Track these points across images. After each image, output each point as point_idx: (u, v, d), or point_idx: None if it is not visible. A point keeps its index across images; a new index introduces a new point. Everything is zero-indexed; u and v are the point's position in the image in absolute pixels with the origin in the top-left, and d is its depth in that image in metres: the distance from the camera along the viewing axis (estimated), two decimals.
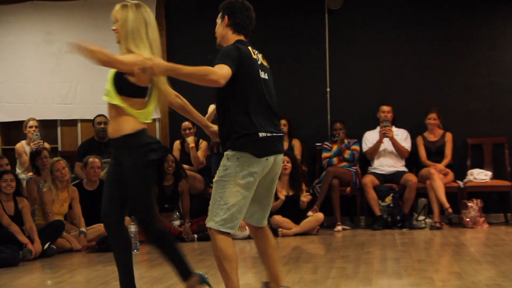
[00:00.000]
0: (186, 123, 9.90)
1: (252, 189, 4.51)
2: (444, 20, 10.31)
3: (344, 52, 10.43)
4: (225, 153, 4.55)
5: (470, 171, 9.84)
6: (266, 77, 4.78)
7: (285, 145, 10.04)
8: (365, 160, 10.07)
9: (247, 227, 8.84)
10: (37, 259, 7.46)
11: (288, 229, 8.99)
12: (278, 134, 4.67)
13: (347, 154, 9.86)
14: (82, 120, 10.65)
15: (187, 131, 9.86)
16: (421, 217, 9.50)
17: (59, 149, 10.59)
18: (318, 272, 6.22)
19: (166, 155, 9.04)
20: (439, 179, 9.46)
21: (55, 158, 8.47)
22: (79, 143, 10.44)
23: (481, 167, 9.94)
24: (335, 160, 9.87)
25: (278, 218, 9.05)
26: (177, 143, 10.09)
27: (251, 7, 4.86)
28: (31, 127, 9.62)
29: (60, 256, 7.71)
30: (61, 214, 8.28)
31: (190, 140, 9.78)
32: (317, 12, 10.46)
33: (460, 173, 9.86)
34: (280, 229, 8.98)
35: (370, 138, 9.98)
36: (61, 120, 10.68)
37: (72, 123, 10.70)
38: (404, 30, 10.41)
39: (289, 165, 9.19)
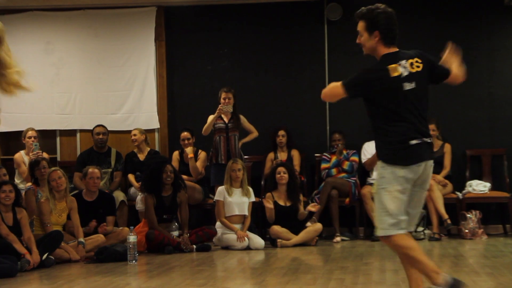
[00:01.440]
0: (185, 133, 9.91)
1: (407, 194, 4.65)
2: (443, 31, 10.32)
3: (344, 62, 10.43)
4: (379, 161, 4.68)
5: (469, 182, 9.84)
6: (414, 85, 4.82)
7: (284, 156, 10.06)
8: (364, 171, 10.06)
9: (246, 238, 8.84)
10: (35, 270, 7.44)
11: (287, 240, 8.98)
12: (428, 141, 4.76)
13: (346, 165, 9.87)
14: (81, 130, 10.65)
15: (186, 142, 9.86)
16: (420, 228, 9.49)
17: (58, 159, 10.58)
18: (317, 283, 6.20)
19: (165, 166, 9.03)
20: (438, 190, 9.46)
21: (52, 168, 8.47)
22: (78, 153, 10.44)
23: (480, 178, 9.94)
24: (334, 171, 9.87)
25: (277, 228, 9.04)
26: (176, 154, 10.08)
27: (393, 12, 4.92)
28: (30, 137, 9.62)
29: (58, 267, 7.70)
30: (59, 225, 8.27)
31: (189, 150, 9.79)
32: (317, 23, 10.49)
33: (459, 184, 9.86)
34: (278, 240, 8.97)
35: (369, 149, 9.97)
36: (60, 130, 10.68)
37: (71, 133, 10.71)
38: (403, 42, 10.29)
39: (286, 175, 9.19)
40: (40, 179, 8.73)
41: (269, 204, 9.10)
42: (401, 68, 4.77)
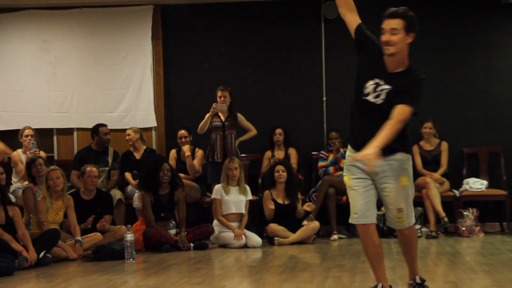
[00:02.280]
0: (182, 131, 9.92)
1: None
2: (440, 29, 10.35)
3: (341, 61, 10.44)
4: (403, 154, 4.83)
5: (466, 180, 9.86)
6: None
7: (281, 154, 10.06)
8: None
9: (243, 236, 8.84)
10: (32, 268, 7.43)
11: (284, 238, 8.99)
12: None
13: (343, 163, 9.83)
14: (78, 129, 10.65)
15: (183, 140, 9.87)
16: (417, 226, 9.50)
17: (55, 157, 10.58)
18: (314, 281, 6.21)
19: (162, 164, 9.03)
20: (435, 188, 9.48)
21: (52, 167, 8.45)
22: (75, 151, 10.44)
23: (477, 176, 9.96)
24: (331, 169, 9.88)
25: (274, 226, 9.05)
26: (173, 152, 10.09)
27: None
28: (26, 136, 9.62)
29: (55, 265, 7.69)
30: (56, 223, 8.26)
31: (186, 148, 9.79)
32: (313, 21, 10.49)
33: (456, 182, 9.87)
34: (276, 238, 8.97)
35: None
36: (57, 129, 10.68)
37: (68, 131, 10.70)
38: None
39: (284, 174, 9.20)
40: (36, 177, 8.73)
41: (271, 206, 9.10)
42: None
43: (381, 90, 4.87)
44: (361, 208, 5.02)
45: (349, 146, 5.08)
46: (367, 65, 4.96)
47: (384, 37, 4.83)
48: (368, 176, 4.92)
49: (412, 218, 5.00)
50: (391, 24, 4.82)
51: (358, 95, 4.97)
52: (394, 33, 4.79)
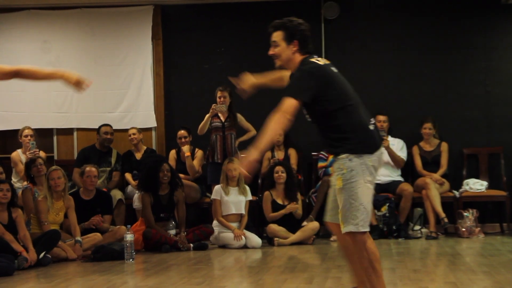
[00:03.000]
0: (182, 131, 9.92)
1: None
2: (441, 30, 10.35)
3: (340, 61, 10.33)
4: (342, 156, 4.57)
5: (466, 181, 9.85)
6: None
7: (281, 155, 10.06)
8: None
9: (243, 237, 8.84)
10: (32, 268, 7.44)
11: (284, 238, 8.99)
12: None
13: None
14: (78, 129, 10.65)
15: (183, 140, 9.87)
16: (417, 227, 9.50)
17: (55, 158, 10.58)
18: (314, 282, 6.21)
19: (162, 165, 9.04)
20: (435, 189, 9.47)
21: (53, 167, 8.45)
22: (75, 152, 10.44)
23: (477, 177, 9.95)
24: (331, 169, 9.84)
25: (274, 227, 9.05)
26: (172, 152, 10.09)
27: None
28: (26, 136, 9.61)
29: (55, 265, 7.69)
30: (57, 223, 8.26)
31: (186, 149, 9.79)
32: (313, 21, 10.46)
33: (456, 183, 9.87)
34: (276, 238, 8.97)
35: None
36: (57, 129, 10.67)
37: (68, 131, 10.69)
38: (401, 40, 10.44)
39: (284, 174, 9.20)
40: (36, 177, 8.73)
41: (278, 215, 9.13)
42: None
43: None
44: (329, 206, 4.91)
45: None
46: None
47: (270, 51, 4.85)
48: None
49: (353, 226, 4.51)
50: (272, 37, 4.81)
51: None
52: (275, 45, 4.79)
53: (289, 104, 4.66)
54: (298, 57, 4.80)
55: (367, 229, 4.56)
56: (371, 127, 4.70)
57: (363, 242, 4.56)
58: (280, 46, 4.76)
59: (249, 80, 5.21)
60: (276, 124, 4.67)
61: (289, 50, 4.77)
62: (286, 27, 4.77)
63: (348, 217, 4.52)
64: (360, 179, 4.52)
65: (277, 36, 4.78)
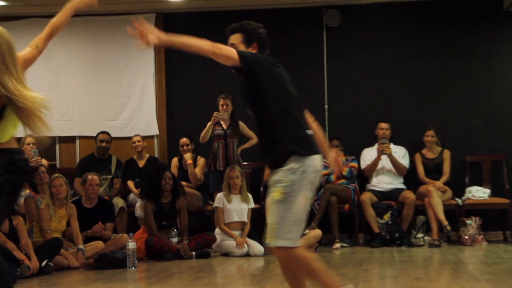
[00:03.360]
0: (184, 139, 9.92)
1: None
2: (443, 37, 10.34)
3: (342, 69, 10.45)
4: (286, 167, 4.36)
5: (468, 189, 9.84)
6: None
7: None
8: (363, 177, 10.06)
9: (245, 245, 8.83)
10: (35, 277, 7.43)
11: None
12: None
13: (345, 171, 9.86)
14: (81, 137, 10.65)
15: (185, 148, 9.87)
16: (420, 235, 9.49)
17: (58, 166, 10.58)
18: None
19: (164, 172, 9.04)
20: (437, 196, 9.46)
21: (55, 175, 8.46)
22: (78, 160, 10.44)
23: (480, 185, 9.93)
24: (333, 177, 9.86)
25: None
26: (175, 160, 10.08)
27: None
28: (28, 144, 9.61)
29: (57, 274, 7.69)
30: (59, 231, 8.26)
31: (188, 156, 9.79)
32: (315, 29, 10.49)
33: (459, 191, 9.85)
34: None
35: (368, 155, 9.98)
36: (60, 137, 10.68)
37: (70, 139, 10.70)
38: (403, 47, 10.44)
39: None
40: (39, 185, 8.73)
41: None
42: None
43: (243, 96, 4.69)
44: None
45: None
46: None
47: None
48: None
49: (285, 241, 4.29)
50: (230, 40, 4.71)
51: None
52: (233, 48, 4.59)
53: (229, 49, 4.48)
54: None
55: (298, 245, 4.36)
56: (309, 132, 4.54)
57: (293, 256, 4.34)
58: (239, 48, 4.63)
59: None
60: (204, 42, 4.35)
61: None
62: (245, 30, 4.74)
63: (282, 232, 4.30)
64: (301, 193, 4.35)
65: (236, 38, 4.70)
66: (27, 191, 8.97)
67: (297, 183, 4.33)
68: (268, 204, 4.43)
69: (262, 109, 4.52)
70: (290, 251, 4.32)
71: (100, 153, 10.00)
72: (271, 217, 4.37)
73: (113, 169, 9.99)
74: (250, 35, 4.73)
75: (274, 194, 4.36)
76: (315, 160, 4.44)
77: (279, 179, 4.36)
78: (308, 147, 4.45)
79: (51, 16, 10.96)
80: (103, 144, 9.97)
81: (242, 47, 4.63)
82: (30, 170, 4.47)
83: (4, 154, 4.29)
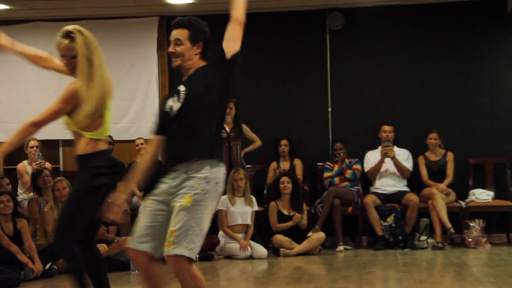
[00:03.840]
0: None
1: None
2: (446, 39, 10.34)
3: (346, 72, 10.45)
4: (203, 175, 4.23)
5: (472, 191, 9.82)
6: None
7: (287, 165, 10.05)
8: (366, 180, 10.06)
9: (249, 247, 8.83)
10: (38, 280, 7.44)
11: (289, 249, 8.97)
12: None
13: (348, 173, 9.86)
14: None
15: None
16: (423, 237, 9.47)
17: (61, 169, 10.59)
18: None
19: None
20: (441, 199, 9.45)
21: (58, 178, 8.47)
22: None
23: (483, 187, 9.92)
24: (336, 180, 9.86)
25: (279, 237, 9.03)
26: None
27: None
28: (32, 147, 9.62)
29: (61, 277, 7.69)
30: None
31: None
32: (319, 32, 10.50)
33: (462, 193, 9.84)
34: (281, 249, 8.96)
35: (372, 158, 9.97)
36: (63, 140, 10.69)
37: (74, 143, 10.69)
38: (406, 50, 10.44)
39: (289, 185, 9.19)
40: (43, 188, 8.74)
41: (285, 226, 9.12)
42: None
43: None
44: (138, 231, 4.35)
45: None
46: None
47: (170, 48, 4.45)
48: (165, 199, 4.34)
49: (183, 250, 4.08)
50: (175, 34, 4.45)
51: None
52: (178, 43, 4.40)
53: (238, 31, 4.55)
54: (198, 62, 4.46)
55: (196, 258, 4.26)
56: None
57: (188, 269, 4.14)
58: (184, 45, 4.41)
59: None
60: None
61: (193, 51, 4.40)
62: (193, 27, 4.46)
63: (183, 240, 4.08)
64: (210, 205, 4.25)
65: (182, 34, 4.44)
66: (31, 194, 9.00)
67: (209, 193, 4.21)
68: (175, 210, 4.18)
69: (212, 105, 4.43)
70: (186, 264, 4.12)
71: None
72: (176, 224, 4.12)
73: None
74: (197, 32, 4.49)
75: (184, 201, 4.16)
76: (223, 173, 4.30)
77: (192, 186, 4.19)
78: (221, 158, 4.33)
79: (54, 20, 11.02)
80: (108, 146, 9.98)
81: (187, 44, 4.39)
82: (122, 170, 4.72)
83: (100, 156, 4.50)
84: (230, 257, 8.96)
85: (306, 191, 9.90)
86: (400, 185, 9.86)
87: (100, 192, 4.78)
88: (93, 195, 4.79)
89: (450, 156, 9.90)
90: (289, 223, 9.11)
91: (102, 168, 4.78)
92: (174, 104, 4.33)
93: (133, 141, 10.25)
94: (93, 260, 5.02)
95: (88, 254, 4.98)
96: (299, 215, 9.14)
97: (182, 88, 4.34)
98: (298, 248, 9.00)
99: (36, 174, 8.83)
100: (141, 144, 10.06)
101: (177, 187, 4.27)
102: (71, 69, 5.05)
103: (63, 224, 4.84)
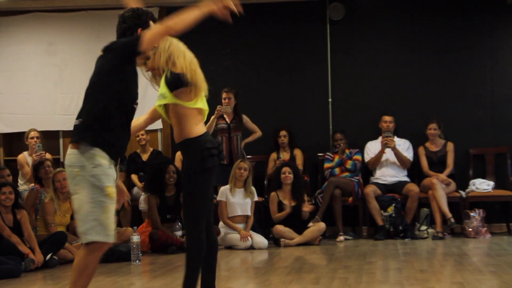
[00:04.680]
0: None
1: None
2: (446, 30, 10.34)
3: (346, 62, 10.45)
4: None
5: (472, 181, 9.83)
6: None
7: (287, 156, 10.06)
8: (367, 170, 10.07)
9: (249, 238, 8.84)
10: (39, 270, 7.45)
11: (290, 239, 8.99)
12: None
13: (349, 164, 9.86)
14: None
15: None
16: (423, 227, 9.49)
17: (61, 160, 10.59)
18: (321, 282, 6.20)
19: (168, 166, 9.05)
20: (441, 189, 9.46)
21: (58, 169, 8.48)
22: None
23: (483, 177, 9.93)
24: (337, 170, 9.87)
25: (280, 228, 9.05)
26: (178, 154, 10.08)
27: None
28: (32, 138, 9.63)
29: (62, 267, 7.70)
30: (63, 225, 8.28)
31: None
32: (319, 22, 10.48)
33: (462, 183, 9.85)
34: (282, 239, 8.97)
35: (372, 148, 9.98)
36: (63, 131, 10.69)
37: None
38: (406, 41, 10.43)
39: (291, 175, 9.19)
40: (44, 179, 8.75)
41: (287, 208, 9.13)
42: None
43: None
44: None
45: (103, 153, 4.38)
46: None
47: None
48: None
49: (87, 236, 4.27)
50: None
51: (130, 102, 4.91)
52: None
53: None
54: None
55: None
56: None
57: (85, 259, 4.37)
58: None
59: None
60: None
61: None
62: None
63: (84, 228, 4.34)
64: None
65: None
66: (32, 184, 9.01)
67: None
68: None
69: None
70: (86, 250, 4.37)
71: None
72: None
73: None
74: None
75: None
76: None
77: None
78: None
79: (54, 10, 11.01)
80: None
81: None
82: (218, 153, 4.77)
83: (201, 141, 4.76)
84: (230, 247, 8.97)
85: (306, 182, 9.91)
86: (400, 175, 9.87)
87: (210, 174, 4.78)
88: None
89: (450, 146, 9.90)
90: (287, 211, 9.11)
91: (212, 150, 4.78)
92: None
93: None
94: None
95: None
96: (309, 205, 9.17)
97: None
98: (298, 238, 9.01)
99: (38, 165, 8.84)
100: (141, 135, 10.06)
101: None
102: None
103: (189, 216, 4.83)
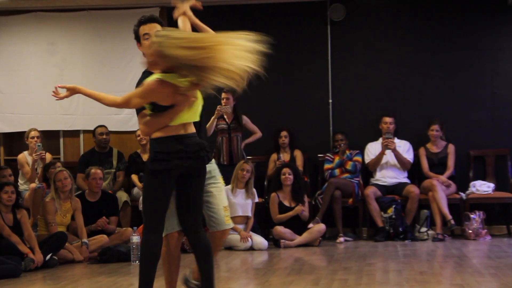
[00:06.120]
0: None
1: None
2: (447, 31, 10.33)
3: (347, 63, 10.44)
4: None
5: (472, 183, 9.82)
6: None
7: (287, 156, 10.05)
8: (367, 171, 10.06)
9: (249, 239, 8.84)
10: (39, 270, 7.45)
11: (290, 240, 8.98)
12: None
13: (349, 165, 9.86)
14: (85, 131, 10.65)
15: None
16: (423, 229, 9.48)
17: (62, 159, 10.58)
18: (320, 283, 6.20)
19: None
20: (441, 190, 9.45)
21: (58, 169, 8.48)
22: (82, 154, 10.45)
23: (484, 179, 9.92)
24: (337, 171, 9.87)
25: (280, 229, 9.04)
26: None
27: None
28: (32, 137, 9.62)
29: (62, 267, 7.70)
30: (64, 225, 8.28)
31: None
32: (320, 23, 10.48)
33: (463, 185, 9.84)
34: (282, 240, 8.97)
35: (373, 149, 9.97)
36: (64, 131, 10.69)
37: (74, 134, 10.71)
38: (407, 42, 10.43)
39: (291, 176, 9.19)
40: (51, 179, 8.74)
41: (285, 217, 9.14)
42: None
43: None
44: None
45: None
46: None
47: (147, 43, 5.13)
48: None
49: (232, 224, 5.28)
50: (150, 28, 5.24)
51: None
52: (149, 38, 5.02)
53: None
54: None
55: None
56: None
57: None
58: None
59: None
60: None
61: None
62: (162, 23, 5.11)
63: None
64: None
65: (156, 28, 5.00)
66: (32, 184, 9.00)
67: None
68: (215, 192, 5.09)
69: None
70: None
71: (102, 146, 10.01)
72: (224, 201, 5.08)
73: (114, 162, 10.00)
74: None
75: (221, 183, 5.21)
76: None
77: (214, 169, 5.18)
78: None
79: (55, 10, 10.99)
80: (104, 137, 9.98)
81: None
82: (205, 154, 4.96)
83: (177, 140, 4.73)
84: (230, 248, 8.97)
85: (306, 183, 9.90)
86: (400, 177, 9.86)
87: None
88: None
89: (451, 148, 9.89)
90: (290, 213, 9.12)
91: (161, 154, 4.79)
92: None
93: (133, 132, 10.25)
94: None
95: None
96: (302, 207, 9.14)
97: None
98: (298, 239, 9.01)
99: (49, 165, 8.88)
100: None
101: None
102: None
103: (143, 215, 4.86)
